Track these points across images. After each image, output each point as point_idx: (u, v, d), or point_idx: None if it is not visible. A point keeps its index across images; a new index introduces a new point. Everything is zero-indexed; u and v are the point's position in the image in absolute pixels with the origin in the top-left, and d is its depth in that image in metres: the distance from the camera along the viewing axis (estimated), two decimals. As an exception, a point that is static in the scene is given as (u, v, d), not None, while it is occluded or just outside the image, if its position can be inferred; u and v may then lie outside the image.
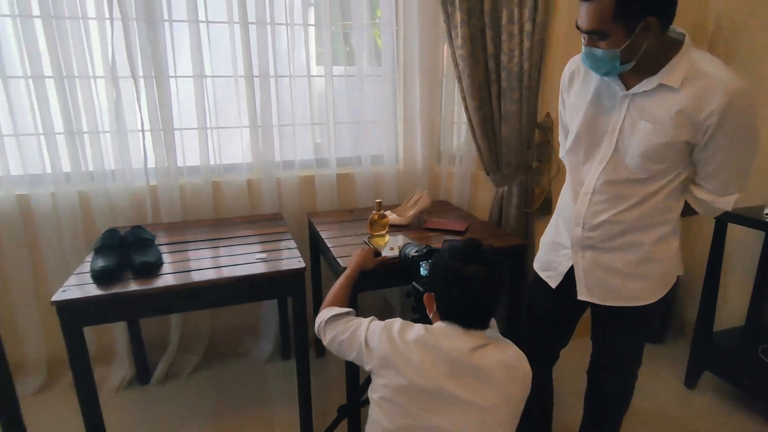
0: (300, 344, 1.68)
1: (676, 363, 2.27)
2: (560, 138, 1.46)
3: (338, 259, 1.66)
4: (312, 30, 2.26)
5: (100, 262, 1.51)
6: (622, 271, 1.29)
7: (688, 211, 1.30)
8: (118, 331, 2.13)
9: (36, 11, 1.83)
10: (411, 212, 2.06)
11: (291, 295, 1.64)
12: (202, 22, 2.04)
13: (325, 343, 1.25)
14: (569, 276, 1.37)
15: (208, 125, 2.14)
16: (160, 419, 1.95)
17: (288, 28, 2.16)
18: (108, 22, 1.91)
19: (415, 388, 1.03)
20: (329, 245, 1.82)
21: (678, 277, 1.35)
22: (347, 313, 1.26)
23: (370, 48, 2.30)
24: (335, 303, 1.32)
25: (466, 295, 1.05)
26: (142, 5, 1.92)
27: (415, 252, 1.47)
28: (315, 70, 2.29)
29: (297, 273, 1.60)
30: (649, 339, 1.82)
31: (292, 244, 1.82)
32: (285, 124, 2.26)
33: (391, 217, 2.02)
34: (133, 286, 1.46)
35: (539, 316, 1.55)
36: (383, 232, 1.87)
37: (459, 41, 2.06)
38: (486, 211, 2.37)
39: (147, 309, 1.54)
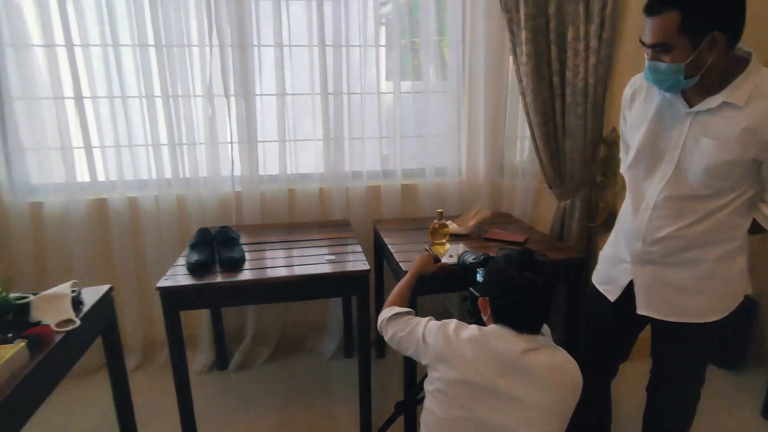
0: (362, 343, 1.80)
1: (754, 391, 2.13)
2: (621, 154, 1.48)
3: (400, 264, 1.78)
4: (382, 50, 2.42)
5: (195, 257, 1.74)
6: (683, 286, 1.29)
7: (757, 228, 1.28)
8: (203, 320, 2.39)
9: (151, 41, 2.15)
10: (471, 222, 2.13)
11: (355, 295, 1.78)
12: (286, 46, 2.27)
13: (386, 338, 1.36)
14: (628, 290, 1.39)
15: (287, 138, 2.36)
16: (234, 403, 2.15)
17: (360, 50, 2.34)
18: (207, 49, 2.19)
19: (467, 382, 1.12)
20: (392, 251, 1.94)
21: (757, 300, 1.32)
22: (407, 313, 1.37)
23: (437, 65, 2.43)
24: (396, 304, 1.43)
25: (519, 301, 1.12)
26: (237, 33, 2.19)
27: (473, 259, 1.55)
28: (384, 86, 2.45)
29: (361, 274, 1.74)
30: (711, 358, 1.73)
31: (358, 248, 1.96)
32: (355, 137, 2.43)
33: (452, 226, 2.11)
34: (220, 279, 1.68)
35: (598, 329, 1.57)
36: (444, 240, 1.96)
37: (523, 58, 2.13)
38: (547, 225, 2.39)
39: (230, 298, 1.75)
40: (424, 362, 1.23)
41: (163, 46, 2.16)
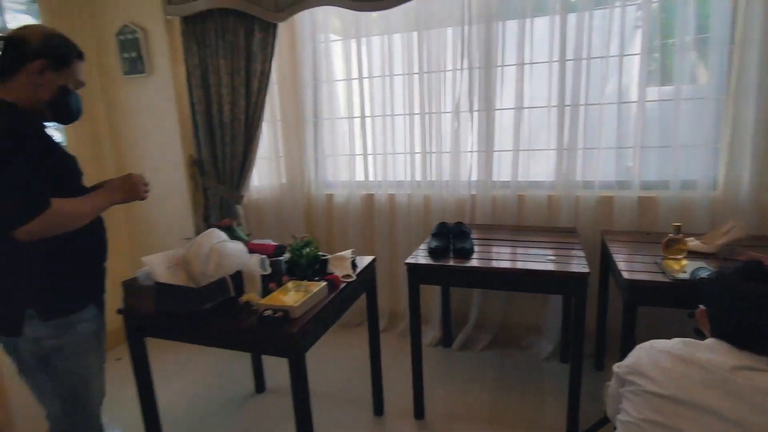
0: (576, 348, 1.87)
1: None
2: None
3: (623, 272, 1.78)
4: (626, 59, 2.37)
5: (434, 243, 2.14)
6: None
7: None
8: (434, 300, 2.81)
9: (416, 69, 2.68)
10: (720, 241, 1.92)
11: (573, 295, 1.87)
12: (527, 63, 2.49)
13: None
14: None
15: (521, 148, 2.57)
16: (454, 378, 2.48)
17: (602, 61, 2.36)
18: (459, 72, 2.60)
19: (661, 392, 1.05)
20: (616, 260, 1.94)
21: None
22: None
23: (692, 69, 2.24)
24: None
25: (739, 312, 1.05)
26: (484, 56, 2.53)
27: (706, 275, 1.46)
28: (625, 96, 2.40)
29: (580, 276, 1.82)
30: None
31: (581, 253, 2.03)
32: (589, 147, 2.46)
33: (693, 243, 1.95)
34: (452, 263, 2.02)
35: None
36: (679, 256, 1.85)
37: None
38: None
39: (459, 280, 2.07)
40: (620, 389, 1.19)
41: (424, 72, 2.67)
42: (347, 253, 1.97)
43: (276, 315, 1.47)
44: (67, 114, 1.39)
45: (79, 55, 1.39)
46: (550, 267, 1.89)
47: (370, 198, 2.93)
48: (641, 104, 2.32)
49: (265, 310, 1.50)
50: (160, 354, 1.84)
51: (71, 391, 1.41)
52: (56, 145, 1.37)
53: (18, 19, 2.53)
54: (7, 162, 1.19)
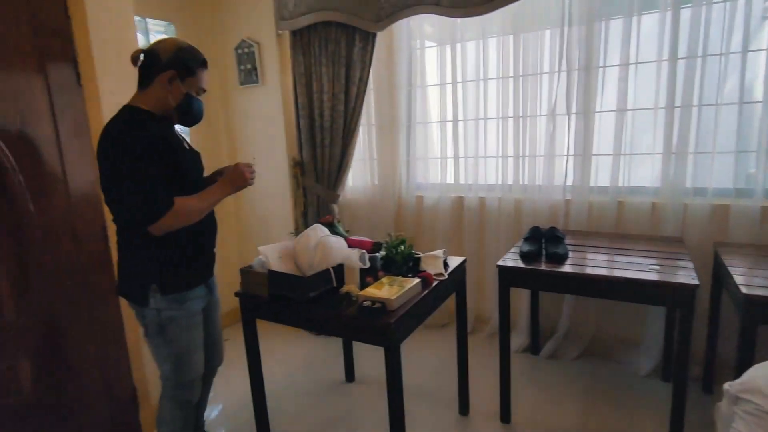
0: (680, 366, 1.75)
1: None
2: None
3: (740, 287, 1.65)
4: (749, 56, 2.17)
5: (526, 247, 2.13)
6: None
7: None
8: (523, 306, 2.77)
9: (510, 73, 2.67)
10: None
11: (679, 308, 1.76)
12: (632, 64, 2.38)
13: None
14: None
15: (622, 152, 2.46)
16: (541, 386, 2.43)
17: (721, 58, 2.19)
18: (556, 75, 2.55)
19: None
20: (732, 273, 1.79)
21: None
22: None
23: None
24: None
25: None
26: (584, 57, 2.46)
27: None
28: (749, 95, 2.20)
29: (688, 288, 1.70)
30: None
31: (690, 264, 1.90)
32: (702, 151, 2.29)
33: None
34: (544, 267, 2.00)
35: None
36: (811, 272, 1.67)
37: None
38: None
39: (550, 285, 2.03)
40: (733, 408, 1.15)
41: (519, 76, 2.65)
42: (439, 252, 2.03)
43: (374, 306, 1.57)
44: (191, 118, 1.62)
45: (203, 64, 1.62)
46: (653, 277, 1.80)
47: (460, 200, 2.97)
48: None
49: (364, 300, 1.61)
50: (262, 335, 2.03)
51: (178, 357, 1.64)
52: (182, 145, 1.61)
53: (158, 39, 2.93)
54: (138, 167, 1.41)
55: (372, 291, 1.66)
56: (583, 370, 2.54)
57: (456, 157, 2.94)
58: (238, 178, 1.64)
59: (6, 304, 1.68)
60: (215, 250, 1.76)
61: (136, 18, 2.49)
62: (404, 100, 3.05)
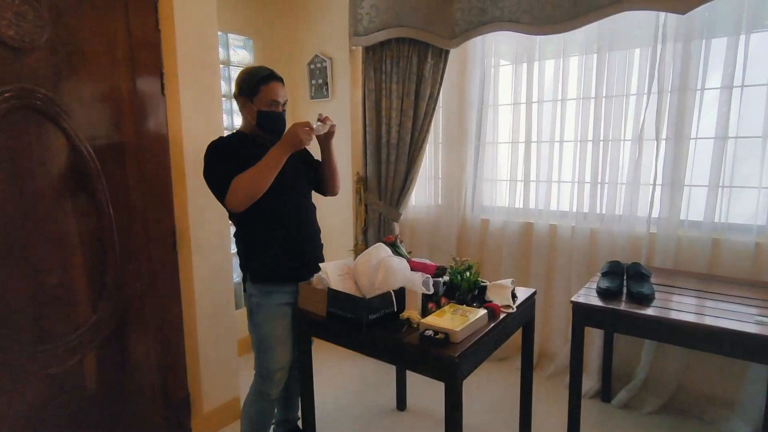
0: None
1: None
2: None
3: None
4: None
5: (605, 283, 1.93)
6: None
7: None
8: (594, 346, 2.53)
9: (592, 94, 2.50)
10: None
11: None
12: (737, 87, 2.13)
13: None
14: None
15: (721, 183, 2.20)
16: (614, 436, 2.20)
17: None
18: (645, 97, 2.34)
19: None
20: None
21: None
22: None
23: None
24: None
25: None
26: (678, 78, 2.24)
27: None
28: None
29: (807, 348, 1.46)
30: None
31: (806, 319, 1.63)
32: (822, 188, 1.99)
33: None
34: (624, 307, 1.80)
35: None
36: None
37: None
38: None
39: (631, 328, 1.82)
40: None
41: (602, 97, 2.47)
42: (507, 281, 1.89)
43: (437, 336, 1.47)
44: (269, 130, 1.78)
45: (264, 80, 1.72)
46: (755, 329, 1.55)
47: (528, 227, 2.79)
48: None
49: (426, 329, 1.50)
50: (316, 353, 1.98)
51: (260, 344, 1.81)
52: (254, 152, 1.71)
53: (237, 53, 3.05)
54: (216, 167, 1.69)
55: (434, 320, 1.55)
56: (662, 425, 2.26)
57: (527, 180, 2.78)
58: (292, 137, 1.68)
59: (84, 303, 1.75)
60: (306, 254, 1.86)
61: (219, 33, 2.59)
62: (474, 119, 2.94)
